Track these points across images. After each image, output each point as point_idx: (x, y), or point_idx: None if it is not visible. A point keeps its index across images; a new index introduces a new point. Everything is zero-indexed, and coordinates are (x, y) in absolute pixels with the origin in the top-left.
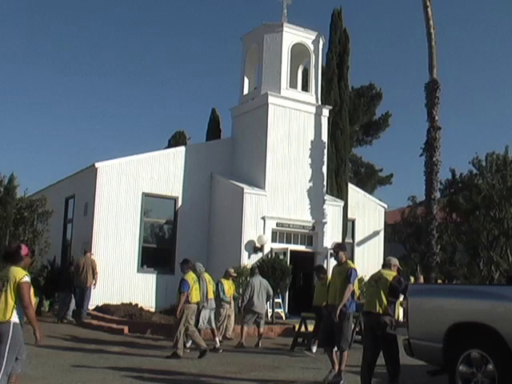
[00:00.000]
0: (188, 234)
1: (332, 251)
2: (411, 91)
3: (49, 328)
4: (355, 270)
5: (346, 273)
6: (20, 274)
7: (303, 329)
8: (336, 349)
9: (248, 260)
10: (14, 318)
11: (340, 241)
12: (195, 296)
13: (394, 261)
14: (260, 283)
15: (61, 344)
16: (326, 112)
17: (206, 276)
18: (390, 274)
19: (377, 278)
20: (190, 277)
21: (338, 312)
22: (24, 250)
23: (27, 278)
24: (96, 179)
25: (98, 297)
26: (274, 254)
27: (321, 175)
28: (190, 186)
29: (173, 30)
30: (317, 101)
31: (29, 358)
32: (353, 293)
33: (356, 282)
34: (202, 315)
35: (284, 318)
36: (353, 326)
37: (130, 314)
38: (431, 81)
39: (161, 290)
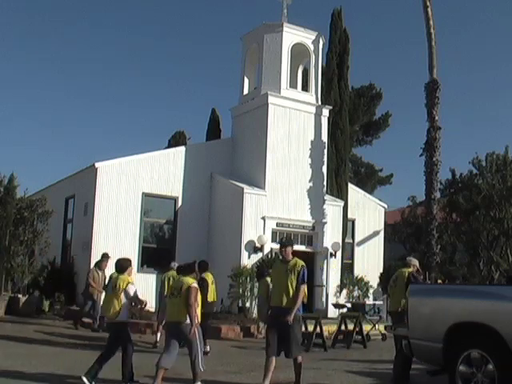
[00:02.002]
0: (188, 234)
1: (279, 247)
2: (411, 91)
3: (48, 328)
4: (306, 268)
5: (296, 272)
6: (190, 281)
7: (303, 329)
8: (289, 356)
9: (248, 260)
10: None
11: (289, 238)
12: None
13: (415, 261)
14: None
15: (61, 344)
16: (325, 112)
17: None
18: (406, 271)
19: (394, 278)
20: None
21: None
22: (194, 266)
23: (195, 284)
24: (96, 179)
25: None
26: (273, 254)
27: (321, 175)
28: (190, 186)
29: (173, 30)
30: (317, 101)
31: (29, 358)
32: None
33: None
34: None
35: None
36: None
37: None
38: (431, 81)
39: None
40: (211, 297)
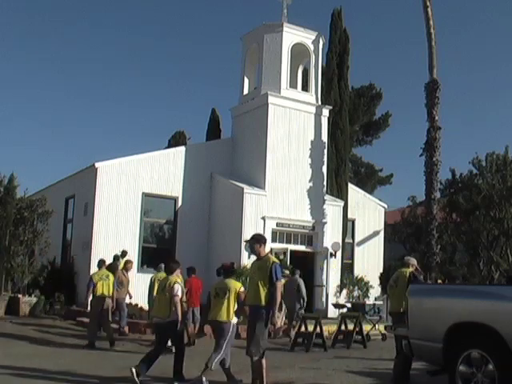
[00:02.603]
0: (188, 234)
1: (247, 244)
2: (411, 91)
3: (48, 328)
4: (279, 265)
5: (267, 269)
6: (238, 285)
7: (303, 329)
8: (246, 353)
9: (248, 260)
10: (234, 320)
11: (258, 234)
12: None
13: (413, 261)
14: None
15: (61, 344)
16: (325, 112)
17: (161, 275)
18: (406, 271)
19: (395, 278)
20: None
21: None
22: (230, 265)
23: (243, 289)
24: (96, 179)
25: None
26: (274, 254)
27: (321, 175)
28: (190, 186)
29: (173, 30)
30: (317, 101)
31: (29, 357)
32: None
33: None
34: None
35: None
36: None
37: (130, 314)
38: (431, 81)
39: None
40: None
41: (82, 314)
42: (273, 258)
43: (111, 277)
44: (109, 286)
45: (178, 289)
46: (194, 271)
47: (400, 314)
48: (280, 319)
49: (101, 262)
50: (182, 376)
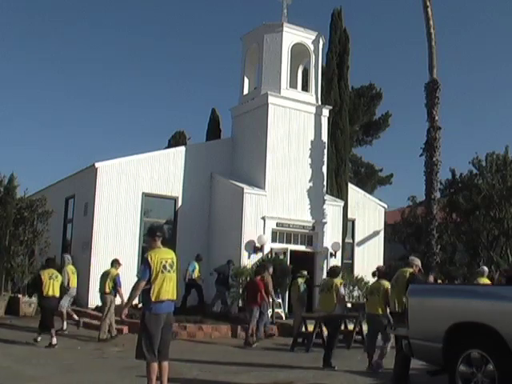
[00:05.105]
0: (188, 234)
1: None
2: (411, 91)
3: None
4: (146, 262)
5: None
6: (339, 282)
7: (303, 329)
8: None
9: (248, 260)
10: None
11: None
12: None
13: (417, 261)
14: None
15: (61, 344)
16: (325, 112)
17: (71, 268)
18: (407, 271)
19: (396, 278)
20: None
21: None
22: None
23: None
24: (96, 179)
25: (98, 297)
26: (273, 254)
27: (321, 175)
28: (190, 186)
29: (173, 30)
30: (317, 101)
31: (29, 358)
32: (147, 290)
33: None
34: (63, 302)
35: (284, 317)
36: None
37: (129, 314)
38: (431, 81)
39: None
40: (47, 292)
41: (82, 314)
42: (148, 252)
43: (60, 277)
44: (55, 285)
45: (342, 289)
46: (260, 272)
47: (400, 314)
48: None
49: (49, 261)
50: (330, 363)
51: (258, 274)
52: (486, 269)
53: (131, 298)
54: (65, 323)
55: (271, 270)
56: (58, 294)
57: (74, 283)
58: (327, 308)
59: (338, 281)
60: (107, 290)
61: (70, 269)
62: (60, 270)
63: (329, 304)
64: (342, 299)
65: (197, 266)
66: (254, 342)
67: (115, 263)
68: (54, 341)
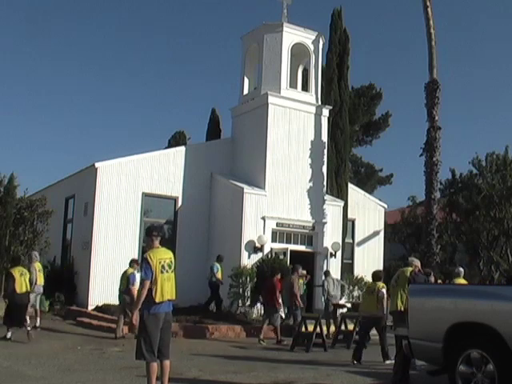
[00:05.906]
0: (188, 234)
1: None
2: (411, 91)
3: (48, 328)
4: (145, 261)
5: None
6: (381, 285)
7: (303, 329)
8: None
9: (248, 260)
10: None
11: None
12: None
13: (416, 261)
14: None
15: (61, 344)
16: (325, 112)
17: (38, 265)
18: (407, 270)
19: (396, 277)
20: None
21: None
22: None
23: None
24: (96, 179)
25: (98, 297)
26: (273, 254)
27: (321, 175)
28: (189, 186)
29: (173, 30)
30: (317, 101)
31: (29, 358)
32: (149, 291)
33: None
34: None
35: (284, 317)
36: None
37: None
38: (431, 81)
39: None
40: (20, 288)
41: (83, 314)
42: (147, 252)
43: (28, 274)
44: (27, 282)
45: (383, 291)
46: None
47: (400, 314)
48: None
49: (16, 260)
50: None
51: (274, 275)
52: (462, 270)
53: (139, 300)
54: (38, 319)
55: (300, 271)
56: (29, 289)
57: (40, 280)
58: (370, 309)
59: (380, 284)
60: (122, 289)
61: (37, 265)
62: (26, 267)
63: (372, 306)
64: (383, 301)
65: (219, 267)
66: (263, 340)
67: (133, 263)
68: (30, 329)
